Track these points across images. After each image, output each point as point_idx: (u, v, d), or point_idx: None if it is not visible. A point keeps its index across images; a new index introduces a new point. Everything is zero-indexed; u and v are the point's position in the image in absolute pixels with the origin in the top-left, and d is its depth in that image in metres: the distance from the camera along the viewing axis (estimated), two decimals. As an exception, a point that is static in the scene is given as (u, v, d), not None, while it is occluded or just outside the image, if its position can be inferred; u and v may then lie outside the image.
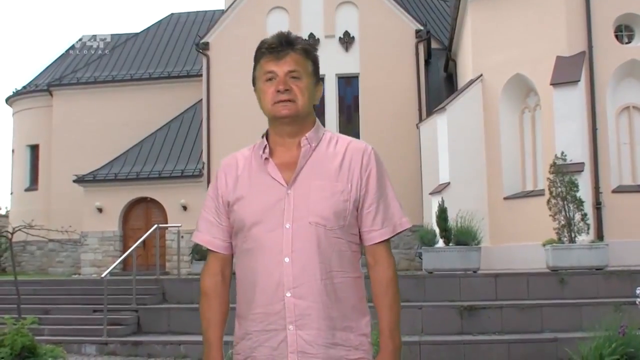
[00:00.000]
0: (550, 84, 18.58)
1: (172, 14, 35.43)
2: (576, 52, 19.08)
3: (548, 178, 16.85)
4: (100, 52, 33.70)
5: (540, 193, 18.80)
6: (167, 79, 30.55)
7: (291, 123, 2.82)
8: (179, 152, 27.35)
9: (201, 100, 27.30)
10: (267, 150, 2.84)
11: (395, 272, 2.85)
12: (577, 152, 17.86)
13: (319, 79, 2.92)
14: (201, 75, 27.47)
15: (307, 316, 2.68)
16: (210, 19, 32.76)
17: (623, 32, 19.76)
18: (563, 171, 16.53)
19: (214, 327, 2.90)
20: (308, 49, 2.87)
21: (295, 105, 2.78)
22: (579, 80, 18.42)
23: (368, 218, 2.81)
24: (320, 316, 2.69)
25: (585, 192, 17.13)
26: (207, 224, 2.94)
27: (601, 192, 18.74)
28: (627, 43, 19.71)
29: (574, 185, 16.30)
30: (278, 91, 2.78)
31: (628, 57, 19.35)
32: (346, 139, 2.89)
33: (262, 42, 2.87)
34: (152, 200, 26.92)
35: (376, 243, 2.83)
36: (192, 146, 27.41)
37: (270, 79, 2.81)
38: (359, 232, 2.84)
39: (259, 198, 2.78)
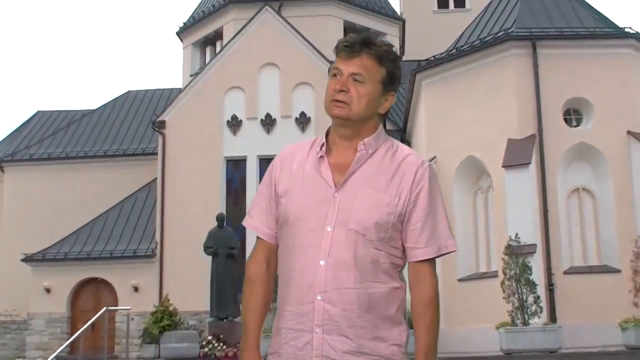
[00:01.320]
0: (502, 166, 18.84)
1: (129, 91, 35.44)
2: (527, 135, 19.42)
3: (503, 259, 16.93)
4: (55, 128, 33.48)
5: (493, 274, 18.83)
6: (122, 157, 30.34)
7: (344, 125, 2.80)
8: (131, 231, 27.01)
9: (156, 179, 27.12)
10: (323, 149, 2.83)
11: (437, 293, 2.79)
12: (529, 233, 18.00)
13: (391, 89, 2.84)
14: (156, 153, 27.36)
15: (335, 322, 2.66)
16: (168, 97, 32.79)
17: (572, 116, 20.19)
18: (516, 252, 16.63)
19: (253, 314, 2.88)
20: (384, 55, 2.79)
21: (349, 108, 2.75)
22: (529, 163, 18.70)
23: (413, 234, 2.76)
24: (348, 324, 2.66)
25: (537, 273, 17.24)
26: (258, 210, 2.95)
27: (553, 274, 18.83)
28: (575, 126, 20.12)
29: (527, 268, 16.41)
30: (335, 90, 2.76)
31: (577, 140, 19.73)
32: (405, 150, 2.85)
33: (343, 38, 2.83)
34: (103, 281, 26.42)
35: (419, 261, 2.78)
36: (145, 226, 27.10)
37: (335, 75, 2.79)
38: (403, 247, 2.79)
39: (305, 196, 2.77)
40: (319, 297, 2.67)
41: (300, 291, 2.71)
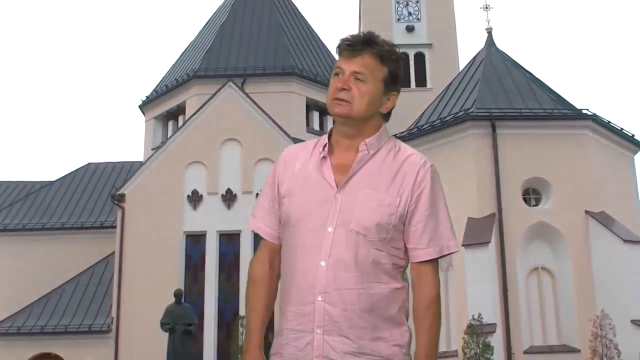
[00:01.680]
0: (462, 245, 18.87)
1: (90, 163, 35.17)
2: (486, 214, 19.56)
3: (463, 338, 16.84)
4: (12, 199, 33.04)
5: (453, 354, 18.70)
6: (81, 230, 29.94)
7: (345, 124, 2.80)
8: (87, 306, 26.42)
9: (114, 252, 26.73)
10: (326, 149, 2.83)
11: (439, 294, 2.78)
12: (489, 312, 18.00)
13: (393, 88, 2.85)
14: (115, 227, 27.02)
15: (335, 323, 2.65)
16: (129, 170, 32.59)
17: (531, 195, 20.41)
18: (477, 332, 16.57)
19: (255, 314, 2.89)
20: (386, 55, 2.79)
21: (350, 106, 2.75)
22: (489, 242, 18.81)
23: (414, 235, 2.75)
24: (349, 324, 2.65)
25: (497, 352, 17.17)
26: (261, 210, 2.98)
27: (513, 353, 18.80)
28: (534, 206, 20.34)
29: (488, 347, 16.32)
30: (337, 88, 2.77)
31: (536, 219, 19.93)
32: (407, 150, 2.85)
33: (345, 37, 2.84)
34: (56, 357, 25.71)
35: (421, 262, 2.77)
36: (101, 300, 26.55)
37: (337, 74, 2.80)
38: (405, 247, 2.77)
39: (307, 197, 2.77)
40: (319, 298, 2.67)
41: (301, 292, 2.72)
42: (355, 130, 2.82)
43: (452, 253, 2.84)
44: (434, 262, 2.80)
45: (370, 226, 2.69)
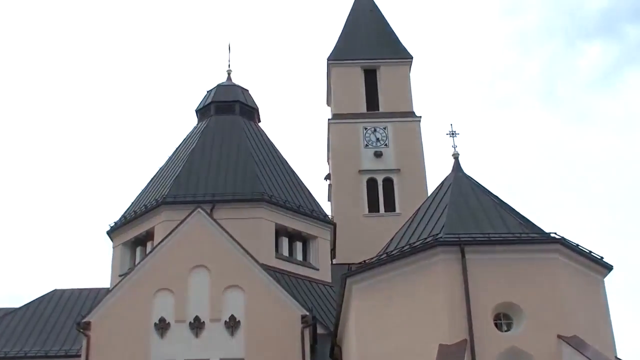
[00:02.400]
0: (435, 372, 18.61)
1: (55, 290, 34.64)
2: (458, 340, 19.36)
3: None
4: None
5: None
6: (45, 358, 29.16)
7: None
8: None
9: (79, 388, 25.99)
10: None
11: None
12: None
13: None
14: (80, 355, 26.35)
15: None
16: (95, 297, 32.13)
17: (502, 320, 20.28)
18: None
19: None
20: None
21: None
22: (461, 369, 18.52)
23: None
24: None
25: None
26: None
27: None
28: (506, 331, 20.18)
29: None
30: None
31: (508, 344, 19.77)
32: None
33: None
34: None
35: None
36: None
37: None
38: None
39: None
40: None
41: None
42: None
43: None
44: None
45: None
